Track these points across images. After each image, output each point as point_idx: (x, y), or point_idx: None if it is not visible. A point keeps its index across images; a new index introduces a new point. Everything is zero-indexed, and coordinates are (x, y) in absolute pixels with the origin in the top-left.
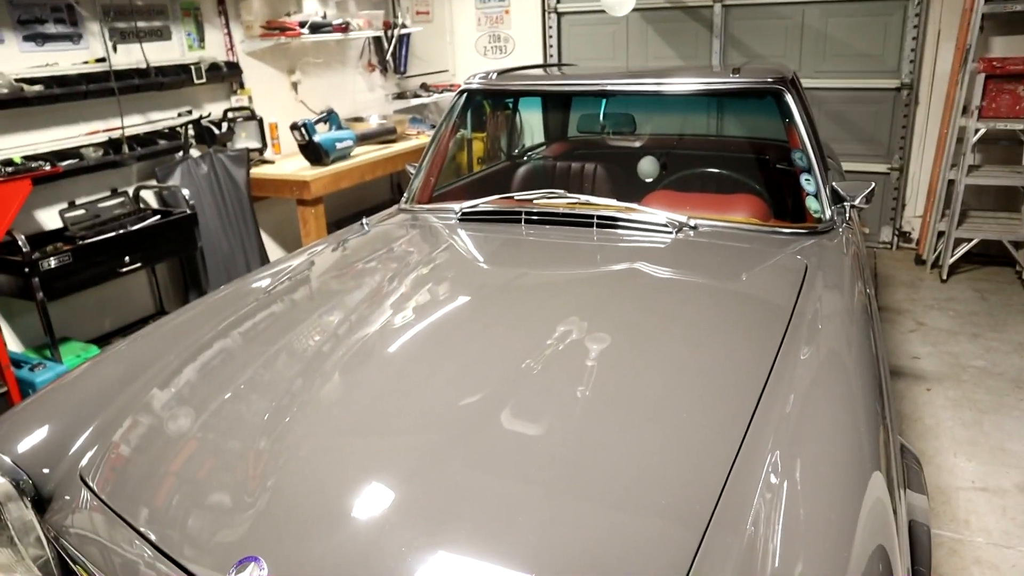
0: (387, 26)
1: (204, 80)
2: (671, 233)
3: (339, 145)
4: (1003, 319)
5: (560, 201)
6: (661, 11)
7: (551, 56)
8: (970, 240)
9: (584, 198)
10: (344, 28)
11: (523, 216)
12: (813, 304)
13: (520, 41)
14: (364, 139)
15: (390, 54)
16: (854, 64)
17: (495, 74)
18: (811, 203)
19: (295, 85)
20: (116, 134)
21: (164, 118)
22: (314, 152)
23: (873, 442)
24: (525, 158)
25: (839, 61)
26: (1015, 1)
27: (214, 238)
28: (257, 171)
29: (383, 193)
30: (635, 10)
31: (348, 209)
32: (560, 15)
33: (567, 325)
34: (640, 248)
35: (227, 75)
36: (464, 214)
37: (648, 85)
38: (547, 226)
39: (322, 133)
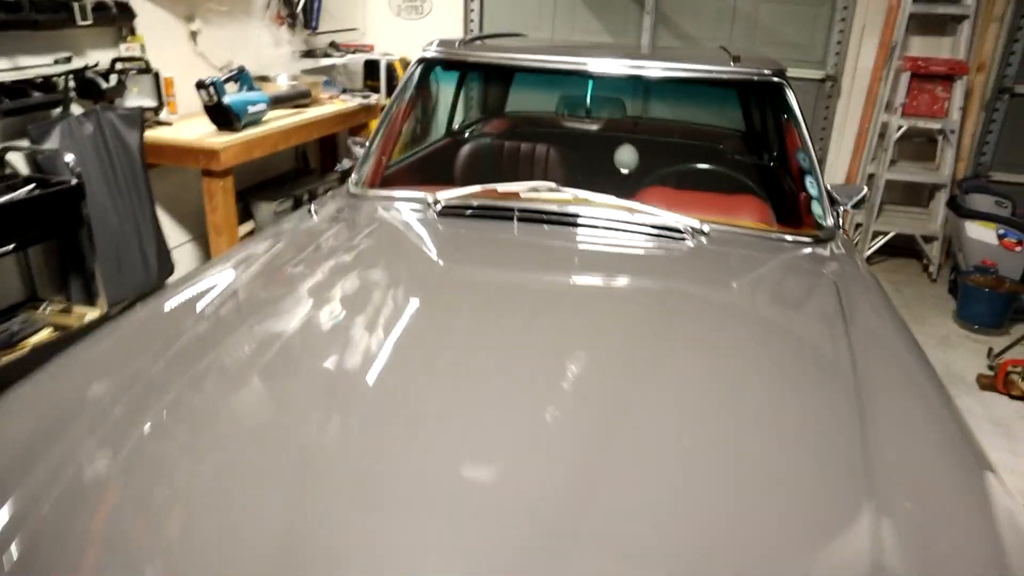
0: None
1: (89, 22)
2: (685, 240)
3: (251, 109)
4: (920, 312)
5: (553, 196)
6: None
7: (472, 23)
8: (887, 233)
9: (581, 193)
10: None
11: (516, 214)
12: (862, 328)
13: (439, 3)
14: (277, 102)
15: (301, 7)
16: (783, 52)
17: (459, 43)
18: (815, 208)
19: (194, 35)
20: None
21: (36, 64)
22: (223, 116)
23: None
24: (466, 135)
25: (769, 48)
26: (940, 3)
27: (101, 212)
28: (152, 134)
29: (286, 162)
30: None
31: (250, 179)
32: None
33: (614, 363)
34: (657, 258)
35: (117, 18)
36: (445, 207)
37: (644, 69)
38: (542, 225)
39: (232, 94)
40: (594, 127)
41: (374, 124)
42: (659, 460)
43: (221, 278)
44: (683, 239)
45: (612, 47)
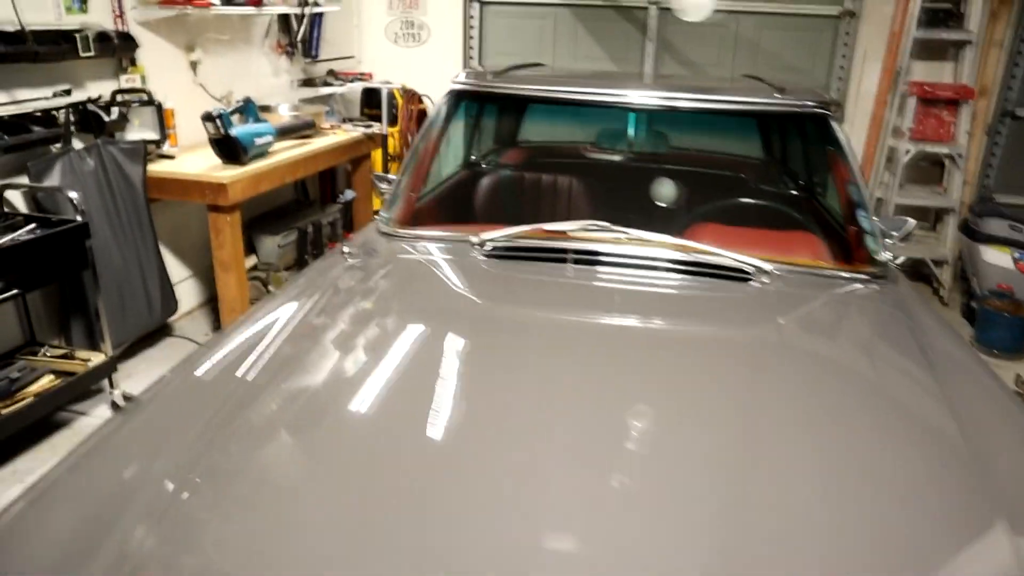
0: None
1: (92, 53)
2: (751, 281)
3: (258, 141)
4: None
5: (603, 235)
6: (593, 9)
7: (472, 50)
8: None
9: (635, 232)
10: (258, 1)
11: (570, 255)
12: (947, 366)
13: (437, 30)
14: (282, 134)
15: (300, 35)
16: (785, 77)
17: (491, 74)
18: (869, 242)
19: (194, 65)
20: None
21: (35, 97)
22: (230, 148)
23: None
24: (482, 166)
25: (771, 74)
26: (943, 30)
27: (104, 250)
28: (155, 168)
29: (285, 194)
30: (565, 5)
31: (249, 212)
32: (483, 4)
33: (715, 422)
34: (725, 301)
35: (119, 48)
36: (495, 250)
37: (686, 101)
38: (597, 267)
39: (238, 126)
40: (620, 158)
41: (377, 155)
42: (796, 534)
43: (275, 335)
44: (749, 280)
45: (641, 77)
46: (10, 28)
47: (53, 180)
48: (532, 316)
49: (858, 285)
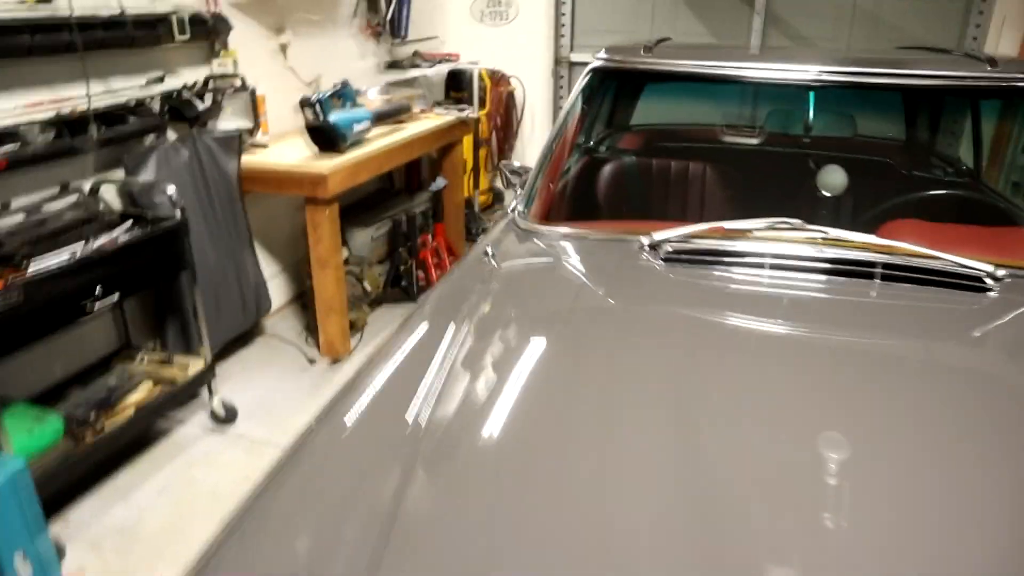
0: None
1: (187, 36)
2: (990, 291)
3: (356, 127)
4: None
5: (794, 235)
6: None
7: (563, 27)
8: None
9: (832, 232)
10: None
11: (766, 261)
12: None
13: (525, 7)
14: (379, 119)
15: (389, 15)
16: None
17: (643, 49)
18: None
19: (284, 48)
20: (70, 107)
21: (129, 87)
22: (327, 136)
23: None
24: (603, 152)
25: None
26: None
27: (199, 248)
28: (248, 159)
29: (371, 182)
30: None
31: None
32: None
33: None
34: (954, 313)
35: (212, 31)
36: (674, 252)
37: (877, 76)
38: (791, 272)
39: (336, 112)
40: (753, 140)
41: (468, 140)
42: None
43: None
44: (987, 290)
45: (795, 50)
46: (106, 13)
47: (148, 174)
48: (744, 336)
49: None
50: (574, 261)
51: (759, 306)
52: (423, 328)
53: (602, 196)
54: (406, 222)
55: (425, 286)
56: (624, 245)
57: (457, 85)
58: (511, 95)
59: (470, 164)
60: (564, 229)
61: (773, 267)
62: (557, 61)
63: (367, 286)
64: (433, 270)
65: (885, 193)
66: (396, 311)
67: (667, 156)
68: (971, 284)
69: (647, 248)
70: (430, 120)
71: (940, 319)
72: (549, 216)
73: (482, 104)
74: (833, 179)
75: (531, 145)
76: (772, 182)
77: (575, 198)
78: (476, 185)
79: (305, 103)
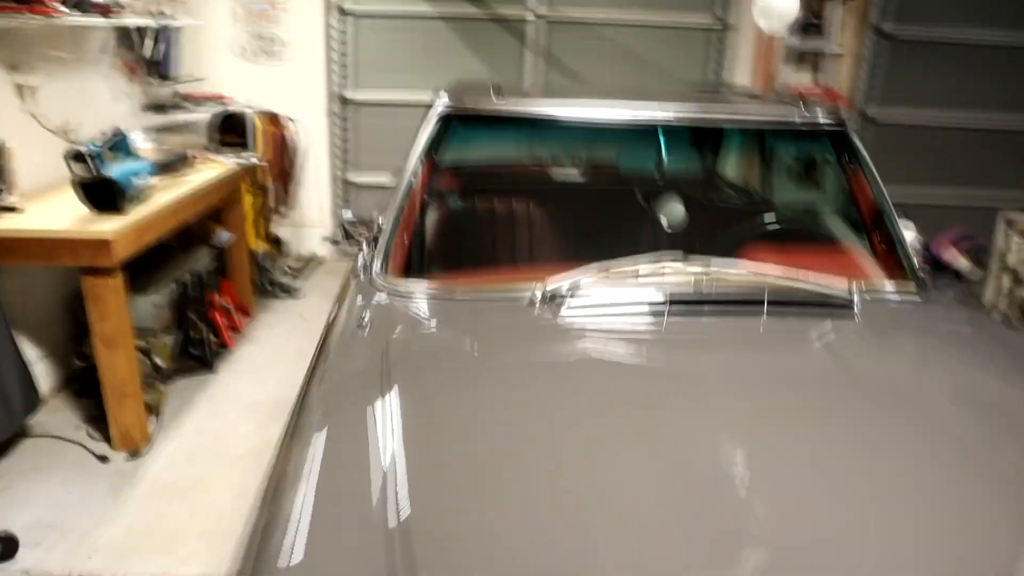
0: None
1: None
2: (853, 311)
3: (136, 181)
4: None
5: (677, 271)
6: (470, 21)
7: (335, 63)
8: None
9: (711, 266)
10: (106, 9)
11: (668, 306)
12: None
13: (297, 44)
14: (159, 171)
15: (151, 53)
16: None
17: (495, 94)
18: (906, 256)
19: (21, 90)
20: None
21: None
22: (106, 194)
23: None
24: (457, 198)
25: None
26: (814, 39)
27: None
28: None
29: None
30: (439, 18)
31: None
32: (348, 16)
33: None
34: (833, 338)
35: None
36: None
37: (704, 115)
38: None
39: (112, 165)
40: (584, 178)
41: (248, 191)
42: None
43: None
44: (851, 310)
45: (640, 92)
46: None
47: None
48: (671, 372)
49: (913, 298)
50: (468, 323)
51: (670, 344)
52: (338, 431)
53: (465, 245)
54: (191, 283)
55: (219, 351)
56: (513, 300)
57: (231, 128)
58: (285, 137)
59: (251, 213)
60: (436, 286)
61: (673, 305)
62: (334, 99)
63: (158, 361)
64: (226, 332)
65: (719, 223)
66: (192, 384)
67: (514, 196)
68: (842, 305)
69: (543, 302)
70: (212, 169)
71: (835, 343)
72: (411, 272)
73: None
74: (673, 212)
75: (311, 189)
76: (629, 216)
77: (438, 250)
78: (260, 235)
79: (75, 156)
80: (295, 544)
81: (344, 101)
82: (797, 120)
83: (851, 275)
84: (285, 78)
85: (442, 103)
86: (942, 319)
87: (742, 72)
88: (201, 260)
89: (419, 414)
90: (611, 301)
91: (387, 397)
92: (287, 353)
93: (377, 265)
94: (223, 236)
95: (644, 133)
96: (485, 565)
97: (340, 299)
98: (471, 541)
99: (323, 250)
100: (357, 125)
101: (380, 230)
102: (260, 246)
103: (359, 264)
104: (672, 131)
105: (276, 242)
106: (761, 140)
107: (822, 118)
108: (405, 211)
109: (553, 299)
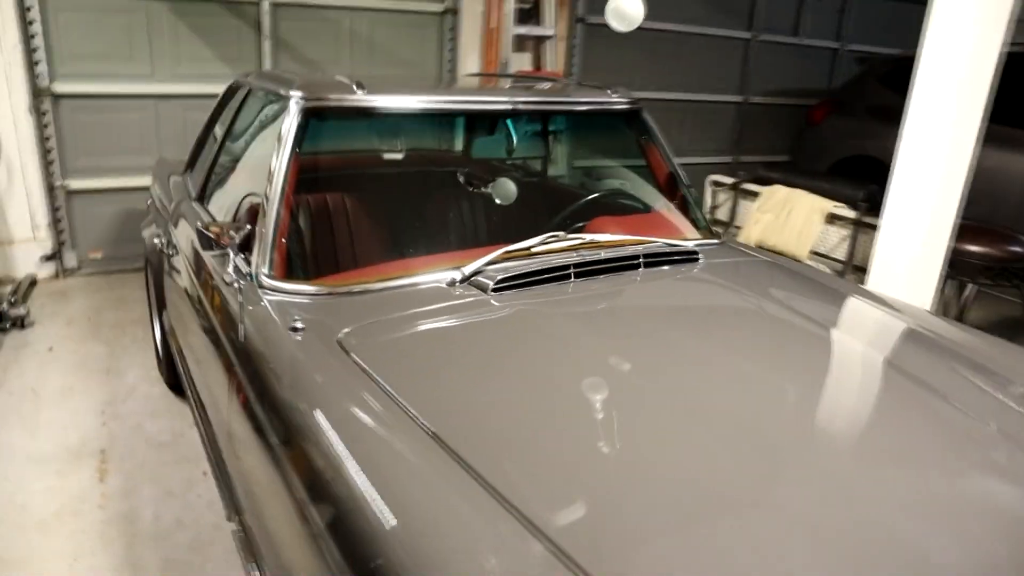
0: None
1: None
2: (699, 260)
3: None
4: None
5: (561, 245)
6: (194, 3)
7: (36, 51)
8: None
9: (589, 237)
10: None
11: (572, 271)
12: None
13: None
14: None
15: None
16: (401, 71)
17: (356, 87)
18: (699, 215)
19: None
20: None
21: None
22: None
23: None
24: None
25: (387, 68)
26: (535, 27)
27: None
28: None
29: None
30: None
31: None
32: None
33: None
34: (701, 282)
35: None
36: (500, 282)
37: (542, 104)
38: (589, 278)
39: None
40: (435, 166)
41: None
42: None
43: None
44: (697, 260)
45: (455, 85)
46: None
47: None
48: (614, 330)
49: (715, 244)
50: (411, 308)
51: (604, 305)
52: (349, 414)
53: (345, 240)
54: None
55: None
56: (432, 283)
57: None
58: None
59: None
60: (339, 282)
61: (576, 275)
62: (36, 94)
63: None
64: None
65: (559, 200)
66: None
67: (379, 188)
68: (690, 257)
69: (460, 284)
70: None
71: (685, 281)
72: (292, 273)
73: None
74: (504, 191)
75: (15, 200)
76: (487, 204)
77: (323, 247)
78: None
79: None
80: (385, 510)
81: (50, 95)
82: (614, 103)
83: (673, 233)
84: None
85: (299, 96)
86: (743, 255)
87: (471, 57)
88: None
89: (430, 386)
90: (525, 271)
91: (384, 380)
92: (48, 393)
93: (264, 268)
94: None
95: (490, 122)
96: (580, 494)
97: (217, 311)
98: (554, 478)
99: (43, 271)
100: (72, 123)
101: (257, 232)
102: None
103: (229, 270)
104: (518, 118)
105: None
106: (580, 122)
107: (624, 101)
108: (283, 209)
109: (472, 279)
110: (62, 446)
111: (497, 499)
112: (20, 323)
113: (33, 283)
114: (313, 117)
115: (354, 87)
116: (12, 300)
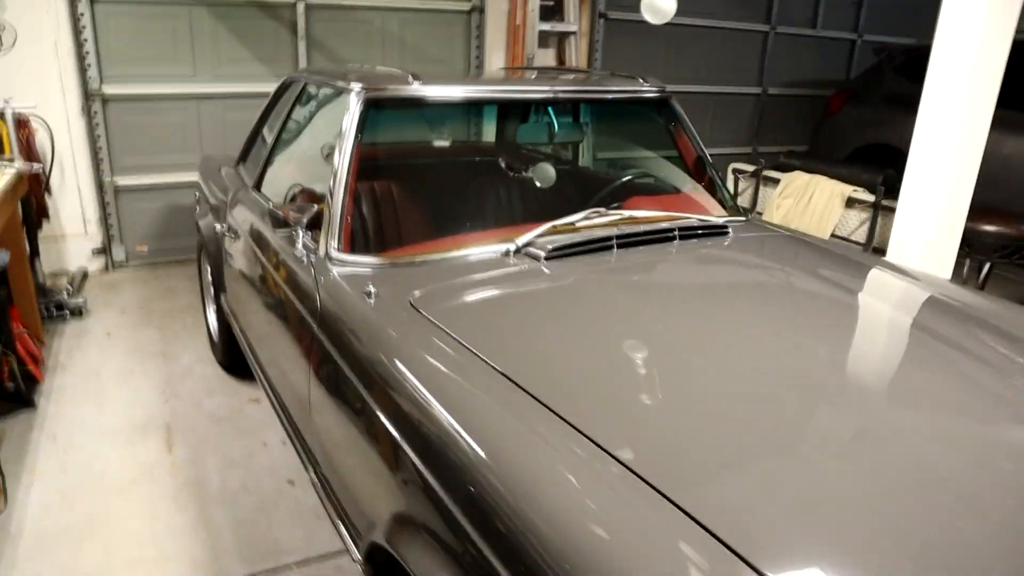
0: None
1: None
2: (728, 234)
3: None
4: None
5: (603, 220)
6: (234, 7)
7: (87, 54)
8: None
9: (627, 213)
10: None
11: (615, 242)
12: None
13: (26, 31)
14: None
15: None
16: (431, 68)
17: (412, 78)
18: (726, 196)
19: None
20: None
21: None
22: None
23: None
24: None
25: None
26: (559, 23)
27: None
28: None
29: None
30: (200, 4)
31: None
32: (99, 2)
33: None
34: (734, 250)
35: None
36: (553, 251)
37: (567, 92)
38: (630, 248)
39: None
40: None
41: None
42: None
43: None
44: (726, 232)
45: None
46: None
47: None
48: (660, 291)
49: (743, 221)
50: (472, 274)
51: (634, 270)
52: (454, 377)
53: (405, 218)
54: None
55: (34, 383)
56: (489, 255)
57: None
58: (32, 140)
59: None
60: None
61: (619, 246)
62: (88, 97)
63: None
64: (31, 362)
65: (615, 181)
66: (15, 426)
67: (437, 172)
68: (720, 232)
69: (515, 254)
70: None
71: (718, 250)
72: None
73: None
74: (544, 173)
75: (69, 197)
76: (531, 187)
77: (379, 226)
78: (35, 253)
79: None
80: (473, 442)
81: (100, 98)
82: (646, 91)
83: (703, 211)
84: (17, 72)
85: (359, 88)
86: (768, 231)
87: (497, 54)
88: None
89: (499, 337)
90: (574, 241)
91: (456, 333)
92: (110, 374)
93: (334, 243)
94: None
95: (532, 110)
96: (646, 429)
97: (290, 285)
98: (623, 415)
99: (93, 264)
100: (120, 123)
101: (325, 212)
102: (40, 265)
103: (298, 246)
104: (558, 106)
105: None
106: (615, 110)
107: (655, 90)
108: (349, 191)
109: (525, 248)
110: (129, 421)
111: (573, 428)
112: (79, 312)
113: (85, 276)
114: (372, 107)
115: (409, 78)
116: (70, 290)
